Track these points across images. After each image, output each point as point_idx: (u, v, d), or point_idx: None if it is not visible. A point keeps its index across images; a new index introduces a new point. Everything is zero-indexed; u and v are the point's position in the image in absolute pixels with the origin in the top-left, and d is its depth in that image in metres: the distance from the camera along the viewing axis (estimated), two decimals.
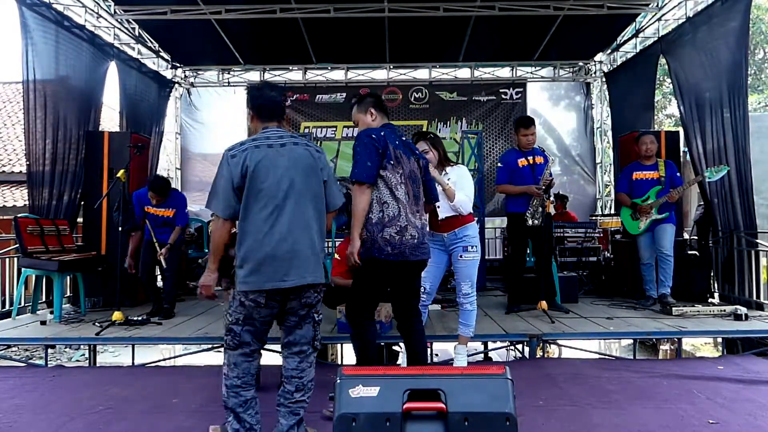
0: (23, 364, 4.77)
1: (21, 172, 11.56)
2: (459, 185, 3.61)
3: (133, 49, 8.30)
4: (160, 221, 5.14)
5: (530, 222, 4.90)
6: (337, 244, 6.71)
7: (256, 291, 2.46)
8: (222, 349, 4.32)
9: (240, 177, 2.47)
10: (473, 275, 3.67)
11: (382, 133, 2.95)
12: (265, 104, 2.66)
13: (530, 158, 5.02)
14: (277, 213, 2.49)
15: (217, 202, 2.49)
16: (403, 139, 3.09)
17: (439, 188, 3.55)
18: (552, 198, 4.93)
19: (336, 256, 5.00)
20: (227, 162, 2.50)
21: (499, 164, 5.24)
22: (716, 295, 6.01)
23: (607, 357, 5.28)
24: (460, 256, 3.63)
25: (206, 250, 7.56)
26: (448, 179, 3.63)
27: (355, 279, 3.07)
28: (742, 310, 4.82)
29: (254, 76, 10.01)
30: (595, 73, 9.87)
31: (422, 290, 3.61)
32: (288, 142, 2.61)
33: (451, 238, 3.65)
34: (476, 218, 6.62)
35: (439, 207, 3.59)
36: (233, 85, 10.01)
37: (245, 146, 2.53)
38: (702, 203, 6.68)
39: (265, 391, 3.51)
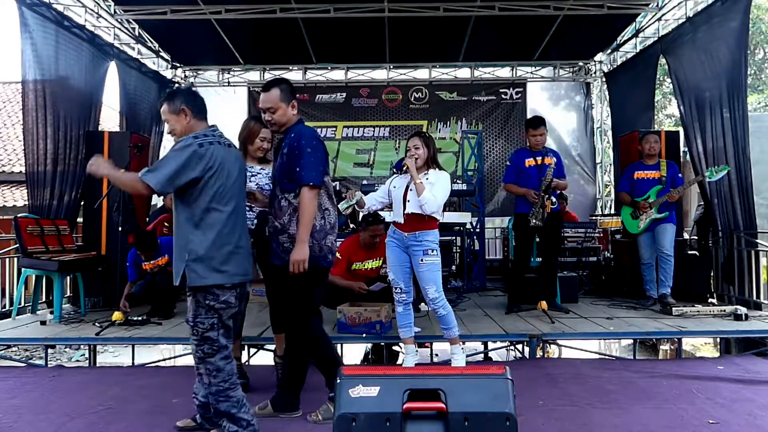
0: (23, 364, 4.77)
1: (21, 172, 11.55)
2: (433, 187, 3.59)
3: (133, 49, 8.31)
4: (158, 270, 5.17)
5: (532, 222, 4.90)
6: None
7: (228, 290, 2.48)
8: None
9: (203, 170, 2.42)
10: (437, 279, 3.63)
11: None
12: (202, 104, 2.63)
13: (539, 158, 5.00)
14: (237, 211, 2.56)
15: (162, 175, 2.38)
16: None
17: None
18: (552, 198, 4.91)
19: (337, 255, 5.00)
20: (194, 150, 2.42)
21: (507, 162, 5.32)
22: (716, 295, 6.01)
23: (607, 357, 5.28)
24: (421, 260, 3.60)
25: None
26: (427, 179, 3.62)
27: (295, 291, 2.85)
28: (742, 310, 4.82)
29: (254, 76, 10.01)
30: (595, 73, 9.87)
31: (398, 290, 3.72)
32: (229, 143, 2.64)
33: (411, 240, 3.63)
34: (476, 218, 6.71)
35: (409, 201, 3.63)
36: (233, 85, 10.01)
37: (210, 139, 2.49)
38: (702, 203, 6.69)
39: (265, 392, 3.52)
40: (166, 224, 6.65)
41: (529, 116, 9.38)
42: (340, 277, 4.93)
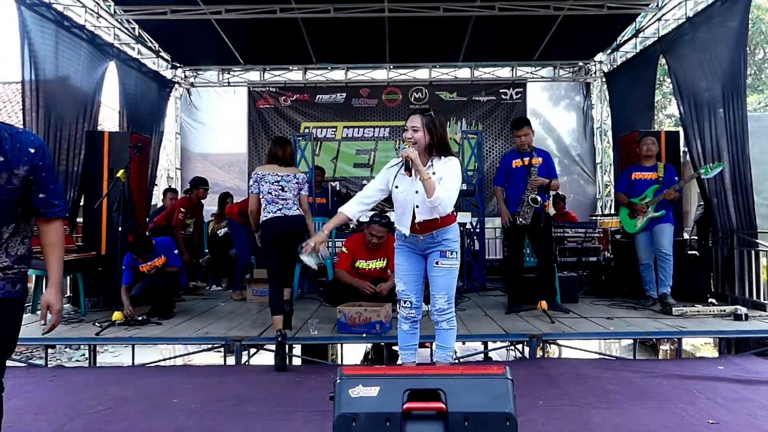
0: (23, 364, 4.76)
1: None
2: (443, 182, 2.96)
3: (133, 49, 8.30)
4: (155, 271, 5.13)
5: (519, 221, 4.97)
6: (338, 242, 6.73)
7: None
8: (221, 350, 4.36)
9: None
10: (451, 287, 3.07)
11: None
12: None
13: (526, 159, 5.07)
14: None
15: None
16: None
17: (416, 185, 2.99)
18: (537, 197, 4.92)
19: (343, 249, 5.01)
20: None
21: (498, 165, 5.38)
22: (716, 295, 6.01)
23: (607, 357, 5.28)
24: (436, 263, 3.03)
25: (206, 251, 7.57)
26: (433, 173, 2.97)
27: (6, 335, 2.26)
28: (742, 310, 4.82)
29: (254, 76, 10.00)
30: (595, 73, 9.87)
31: (408, 304, 3.14)
32: None
33: (428, 241, 3.05)
34: (476, 218, 6.71)
35: (417, 208, 3.01)
36: (233, 85, 10.01)
37: None
38: (702, 203, 6.69)
39: (264, 392, 3.52)
40: (182, 210, 6.58)
41: (529, 116, 9.41)
42: (346, 273, 4.90)
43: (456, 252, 3.06)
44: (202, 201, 7.05)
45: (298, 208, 4.31)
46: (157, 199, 9.21)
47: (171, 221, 6.55)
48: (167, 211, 6.90)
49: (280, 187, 4.24)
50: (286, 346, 4.01)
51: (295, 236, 4.34)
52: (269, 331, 4.53)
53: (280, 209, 4.21)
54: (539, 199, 4.91)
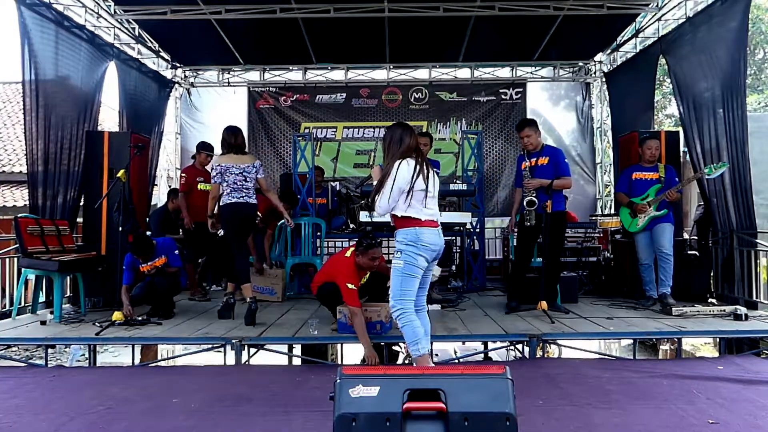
0: (23, 364, 4.76)
1: (21, 172, 11.57)
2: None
3: (133, 49, 8.30)
4: (156, 271, 5.09)
5: (526, 222, 4.98)
6: (333, 243, 6.71)
7: None
8: (222, 349, 4.35)
9: None
10: (395, 285, 3.23)
11: None
12: None
13: (533, 160, 5.06)
14: None
15: None
16: None
17: None
18: (533, 199, 4.92)
19: (349, 285, 4.27)
20: None
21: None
22: (716, 295, 6.01)
23: (607, 357, 5.28)
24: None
25: None
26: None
27: None
28: (742, 310, 4.82)
29: (254, 76, 10.01)
30: (595, 73, 9.87)
31: None
32: None
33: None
34: (476, 218, 6.70)
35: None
36: (233, 85, 10.01)
37: None
38: (702, 203, 6.69)
39: (265, 392, 3.52)
40: (183, 175, 6.38)
41: (528, 116, 9.40)
42: (362, 317, 4.17)
43: (400, 252, 3.24)
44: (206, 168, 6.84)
45: (254, 198, 4.92)
46: (157, 199, 9.20)
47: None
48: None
49: (243, 178, 4.79)
50: (234, 308, 5.00)
51: (250, 221, 5.02)
52: (269, 331, 4.54)
53: (242, 197, 4.79)
54: (535, 201, 4.90)
